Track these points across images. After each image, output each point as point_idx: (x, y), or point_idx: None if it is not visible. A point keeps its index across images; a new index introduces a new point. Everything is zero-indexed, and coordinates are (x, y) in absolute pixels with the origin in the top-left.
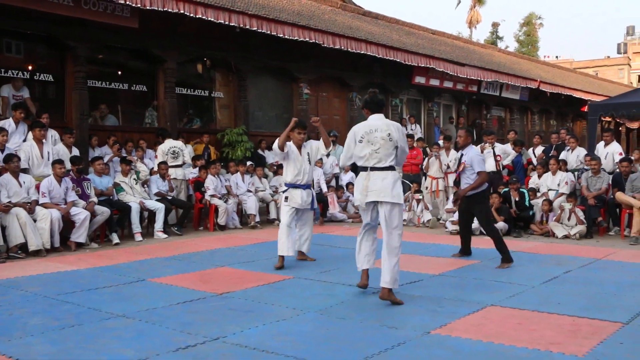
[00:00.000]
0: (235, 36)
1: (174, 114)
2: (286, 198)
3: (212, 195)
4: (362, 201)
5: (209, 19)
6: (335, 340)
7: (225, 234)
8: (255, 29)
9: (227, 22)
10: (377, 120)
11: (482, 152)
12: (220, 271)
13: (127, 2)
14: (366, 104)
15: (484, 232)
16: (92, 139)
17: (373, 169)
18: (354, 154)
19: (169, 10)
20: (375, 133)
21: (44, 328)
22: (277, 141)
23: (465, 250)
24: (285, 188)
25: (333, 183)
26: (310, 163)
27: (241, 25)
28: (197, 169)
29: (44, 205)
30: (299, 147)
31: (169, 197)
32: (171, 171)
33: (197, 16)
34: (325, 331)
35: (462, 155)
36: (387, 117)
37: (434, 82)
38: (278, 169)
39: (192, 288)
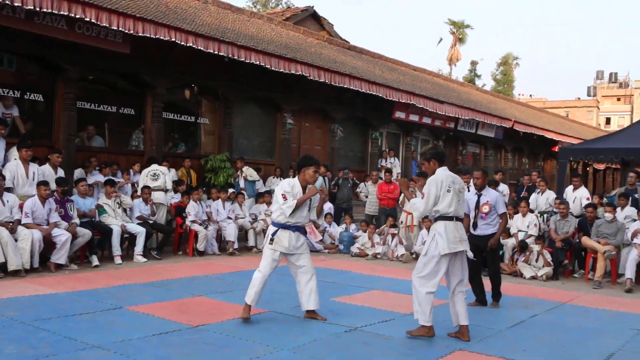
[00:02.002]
0: (223, 65)
1: (160, 138)
2: (271, 240)
3: (193, 221)
4: (455, 249)
5: (199, 47)
6: None
7: (204, 260)
8: (243, 59)
9: (216, 52)
10: (451, 173)
11: None
12: (198, 301)
13: (120, 29)
14: (436, 155)
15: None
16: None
17: (459, 219)
18: (438, 203)
19: (161, 37)
20: (456, 185)
21: (18, 357)
22: (293, 204)
23: (482, 299)
24: (274, 229)
25: None
26: (309, 208)
27: (230, 55)
28: (179, 194)
29: (26, 226)
30: (305, 187)
31: (151, 221)
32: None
33: (188, 44)
34: None
35: (480, 196)
36: (367, 149)
37: (414, 118)
38: (258, 197)
39: (169, 318)
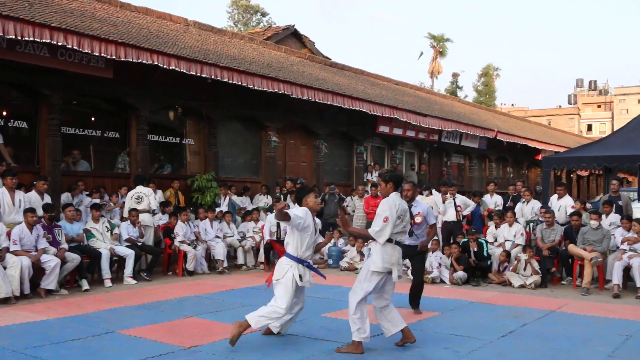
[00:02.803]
0: (206, 86)
1: (145, 160)
2: (301, 277)
3: (182, 242)
4: (387, 269)
5: (182, 70)
6: None
7: (194, 280)
8: (226, 80)
9: (199, 74)
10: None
11: (444, 202)
12: (189, 322)
13: (102, 54)
14: (394, 178)
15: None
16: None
17: (398, 243)
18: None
19: (143, 61)
20: (400, 211)
21: None
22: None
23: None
24: (290, 263)
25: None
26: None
27: (213, 77)
28: (167, 215)
29: (15, 253)
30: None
31: (139, 244)
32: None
33: (171, 67)
34: None
35: (410, 207)
36: (351, 164)
37: (397, 131)
38: (246, 215)
39: (161, 341)
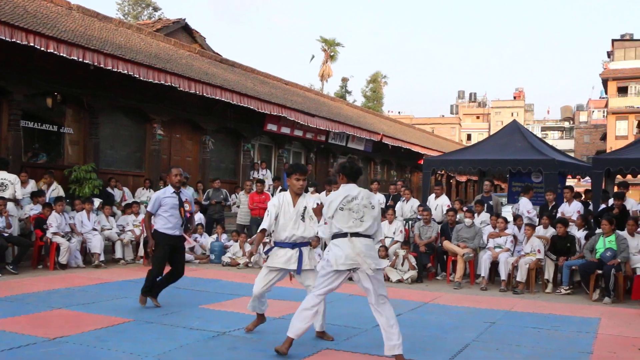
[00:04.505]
0: (89, 74)
1: (17, 147)
2: (267, 257)
3: (55, 233)
4: (342, 267)
5: (62, 54)
6: None
7: (66, 273)
8: (110, 68)
9: (80, 59)
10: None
11: None
12: (56, 314)
13: None
14: (342, 169)
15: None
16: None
17: (355, 235)
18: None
19: (18, 41)
20: (356, 202)
21: None
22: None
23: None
24: (269, 247)
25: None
26: (304, 219)
27: (96, 64)
28: (40, 205)
29: None
30: (296, 197)
31: (6, 234)
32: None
33: (49, 50)
34: None
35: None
36: (238, 161)
37: (285, 130)
38: (126, 208)
39: (22, 332)
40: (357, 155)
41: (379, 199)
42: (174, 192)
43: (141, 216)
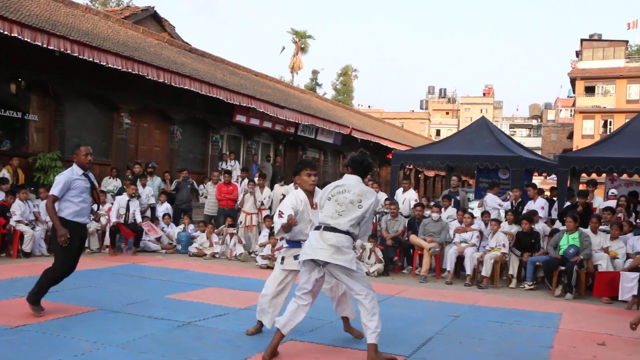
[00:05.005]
0: (55, 60)
1: None
2: (282, 259)
3: (19, 221)
4: (309, 256)
5: (26, 39)
6: None
7: (30, 262)
8: (76, 54)
9: (45, 45)
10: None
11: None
12: (18, 302)
13: None
14: (350, 163)
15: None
16: None
17: (329, 229)
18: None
19: None
20: (344, 194)
21: None
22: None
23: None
24: (285, 246)
25: (148, 213)
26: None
27: (61, 50)
28: (2, 193)
29: None
30: (310, 195)
31: None
32: None
33: (13, 35)
34: None
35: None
36: (206, 151)
37: (254, 122)
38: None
39: None
40: (326, 149)
41: (380, 197)
42: (83, 173)
43: (107, 205)
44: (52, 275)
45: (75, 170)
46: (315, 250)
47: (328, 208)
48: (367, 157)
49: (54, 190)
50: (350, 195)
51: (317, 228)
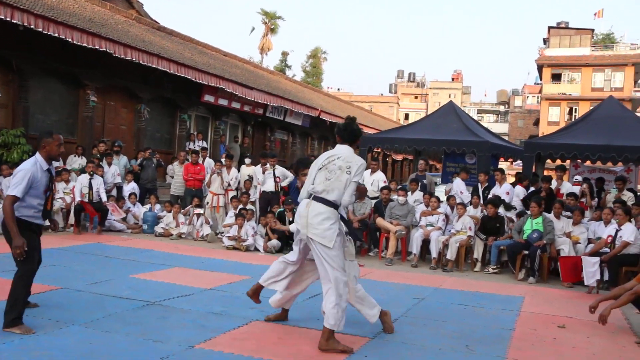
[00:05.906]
0: (19, 34)
1: None
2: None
3: None
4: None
5: None
6: (97, 355)
7: None
8: (41, 29)
9: (8, 19)
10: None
11: (263, 172)
12: None
13: None
14: (338, 132)
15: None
16: None
17: (319, 199)
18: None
19: None
20: (334, 162)
21: None
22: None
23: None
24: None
25: (114, 193)
26: None
27: (25, 24)
28: None
29: None
30: None
31: None
32: None
33: None
34: (88, 345)
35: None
36: (174, 131)
37: (223, 102)
38: (57, 175)
39: None
40: (294, 130)
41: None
42: (48, 168)
43: (72, 184)
44: (26, 282)
45: (40, 164)
46: (299, 218)
47: (319, 179)
48: (352, 123)
49: (16, 190)
50: (339, 161)
51: (308, 197)
